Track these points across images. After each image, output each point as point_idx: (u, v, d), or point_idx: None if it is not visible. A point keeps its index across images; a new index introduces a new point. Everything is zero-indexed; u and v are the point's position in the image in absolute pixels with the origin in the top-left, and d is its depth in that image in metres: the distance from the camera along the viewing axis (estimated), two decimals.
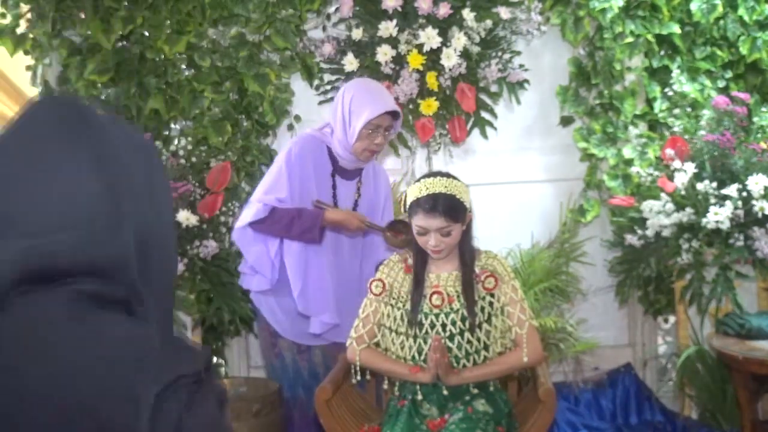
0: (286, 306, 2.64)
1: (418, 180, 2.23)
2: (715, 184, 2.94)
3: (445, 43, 3.29)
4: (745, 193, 2.88)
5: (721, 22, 3.39)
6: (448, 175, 2.21)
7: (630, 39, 3.34)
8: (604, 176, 3.40)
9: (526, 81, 3.48)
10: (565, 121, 3.54)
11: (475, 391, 2.22)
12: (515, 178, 3.61)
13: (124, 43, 3.35)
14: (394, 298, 2.27)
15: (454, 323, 2.20)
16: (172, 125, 3.42)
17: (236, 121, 3.38)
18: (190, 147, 3.23)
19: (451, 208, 2.14)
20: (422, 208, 2.14)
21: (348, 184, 2.67)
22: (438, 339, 2.12)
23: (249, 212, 2.53)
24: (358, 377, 2.27)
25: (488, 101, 3.51)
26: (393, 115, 2.54)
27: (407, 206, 2.21)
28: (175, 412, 0.71)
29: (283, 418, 2.81)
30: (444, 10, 3.28)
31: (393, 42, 3.32)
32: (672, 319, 3.39)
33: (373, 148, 2.55)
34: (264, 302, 2.70)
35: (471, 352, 2.20)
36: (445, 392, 2.20)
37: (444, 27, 3.32)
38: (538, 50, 3.56)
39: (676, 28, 3.34)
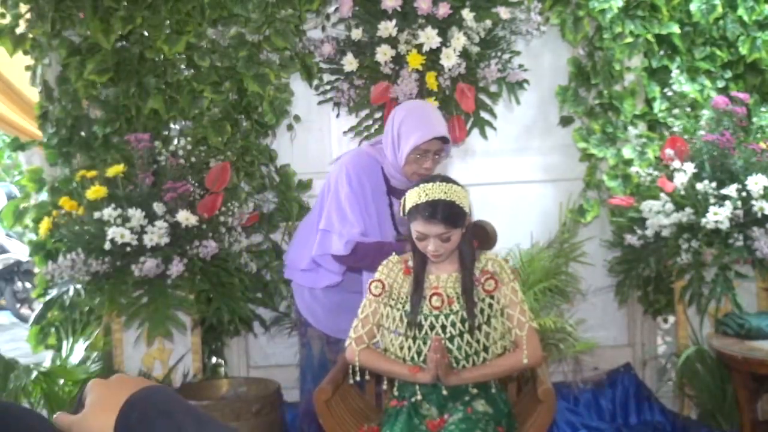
0: (328, 303, 2.74)
1: (417, 185, 2.21)
2: (714, 184, 2.94)
3: (445, 43, 3.29)
4: (744, 193, 2.89)
5: (721, 22, 3.39)
6: (447, 180, 2.20)
7: (629, 39, 3.34)
8: (603, 176, 3.41)
9: (526, 81, 3.48)
10: (565, 121, 3.54)
11: (475, 391, 2.22)
12: (515, 178, 3.61)
13: (124, 43, 3.35)
14: (393, 299, 2.27)
15: (453, 325, 2.19)
16: (172, 125, 3.42)
17: (236, 121, 3.38)
18: (189, 147, 3.23)
19: (451, 215, 2.13)
20: (421, 214, 2.13)
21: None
22: (438, 340, 2.12)
23: (328, 244, 2.58)
24: (357, 377, 2.27)
25: (488, 101, 3.51)
26: (443, 139, 2.53)
27: (406, 211, 2.20)
28: None
29: (282, 418, 2.82)
30: (443, 10, 3.28)
31: (392, 42, 3.31)
32: (671, 319, 3.39)
33: (422, 172, 2.53)
34: (303, 293, 2.80)
35: (470, 354, 2.20)
36: (445, 392, 2.20)
37: (443, 27, 3.32)
38: (537, 50, 3.56)
39: (675, 28, 3.34)
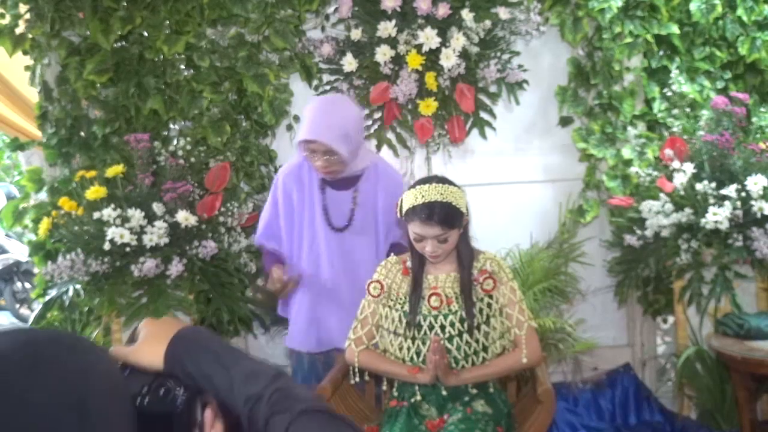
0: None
1: (413, 186, 2.21)
2: (714, 185, 2.94)
3: (444, 43, 3.29)
4: (743, 194, 2.88)
5: (720, 22, 3.39)
6: (443, 181, 2.20)
7: (629, 39, 3.34)
8: (603, 176, 3.40)
9: (525, 81, 3.48)
10: (564, 122, 3.54)
11: (474, 391, 2.22)
12: (514, 179, 3.61)
13: (123, 43, 3.35)
14: (392, 300, 2.27)
15: (452, 325, 2.19)
16: (171, 125, 3.42)
17: (235, 122, 3.38)
18: (189, 147, 3.23)
19: (448, 216, 2.13)
20: (418, 216, 2.13)
21: (341, 195, 2.64)
22: (437, 340, 2.12)
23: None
24: (357, 378, 2.28)
25: (487, 101, 3.51)
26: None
27: (403, 213, 2.21)
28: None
29: None
30: (443, 11, 3.28)
31: (392, 42, 3.31)
32: (671, 319, 3.38)
33: (319, 169, 2.55)
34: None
35: (470, 354, 2.20)
36: (444, 393, 2.20)
37: (443, 27, 3.32)
38: (537, 50, 3.56)
39: (675, 29, 3.34)
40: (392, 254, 2.48)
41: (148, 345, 1.03)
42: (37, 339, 0.81)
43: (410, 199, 2.17)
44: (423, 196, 2.14)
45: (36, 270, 3.69)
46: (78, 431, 0.78)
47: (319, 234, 2.63)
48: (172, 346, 1.02)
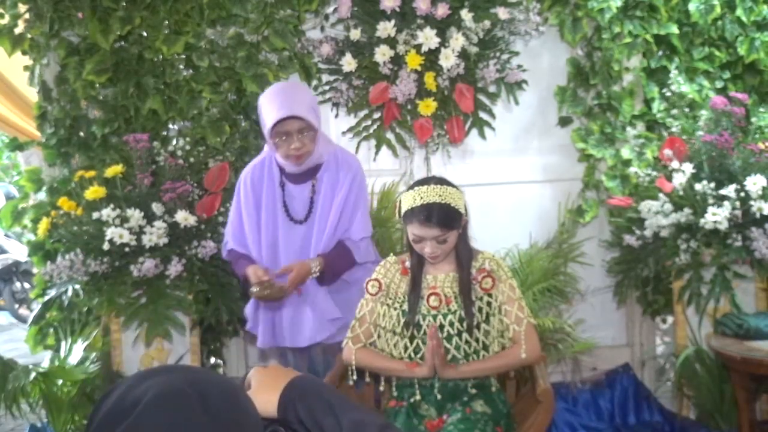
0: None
1: (412, 187, 2.21)
2: (713, 185, 2.94)
3: (444, 43, 3.29)
4: (743, 194, 2.89)
5: (719, 22, 3.39)
6: (441, 182, 2.19)
7: (628, 39, 3.34)
8: (602, 176, 3.41)
9: (525, 81, 3.48)
10: (564, 122, 3.55)
11: (474, 391, 2.22)
12: (513, 179, 3.62)
13: (123, 43, 3.35)
14: (390, 299, 2.27)
15: (452, 324, 2.19)
16: (171, 125, 3.42)
17: (234, 122, 3.38)
18: (188, 147, 3.23)
19: (446, 218, 2.13)
20: (417, 218, 2.14)
21: (300, 188, 2.61)
22: (434, 327, 2.13)
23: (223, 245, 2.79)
24: (355, 377, 2.27)
25: (486, 102, 3.51)
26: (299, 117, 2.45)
27: (401, 214, 2.21)
28: None
29: None
30: (442, 11, 3.28)
31: (391, 42, 3.32)
32: (670, 319, 3.39)
33: (293, 153, 2.48)
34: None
35: (470, 353, 2.20)
36: (439, 396, 2.20)
37: (442, 27, 3.32)
38: (536, 51, 3.56)
39: (674, 29, 3.34)
40: (332, 252, 2.52)
41: (262, 393, 1.09)
42: (213, 381, 0.89)
43: (409, 200, 2.17)
44: (422, 198, 2.14)
45: (35, 270, 3.69)
46: None
47: (278, 228, 2.60)
48: (286, 393, 1.08)
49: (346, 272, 2.59)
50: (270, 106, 2.47)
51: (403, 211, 2.19)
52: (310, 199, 2.61)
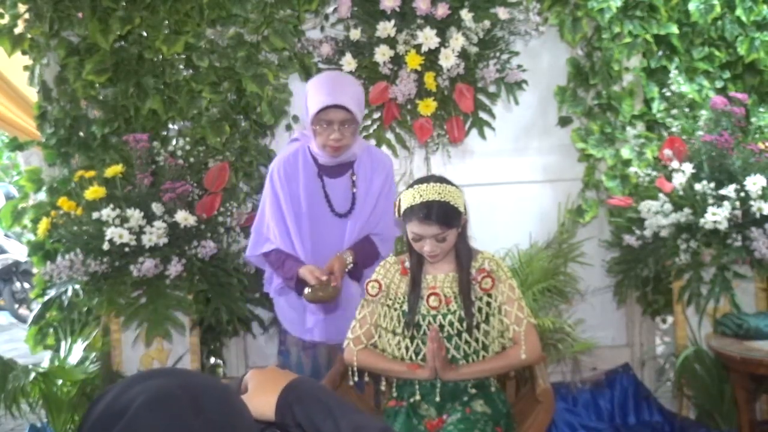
0: (294, 302, 2.68)
1: (411, 186, 2.22)
2: (713, 185, 2.94)
3: (443, 43, 3.29)
4: (743, 194, 2.89)
5: (719, 22, 3.39)
6: (441, 180, 2.20)
7: (628, 39, 3.34)
8: (602, 176, 3.40)
9: (525, 81, 3.48)
10: (564, 122, 3.54)
11: (474, 391, 2.22)
12: (513, 179, 3.61)
13: (122, 43, 3.35)
14: (390, 299, 2.27)
15: (452, 324, 2.20)
16: (170, 125, 3.42)
17: (234, 122, 3.38)
18: (188, 147, 3.23)
19: (446, 216, 2.13)
20: (416, 216, 2.14)
21: (339, 182, 2.61)
22: (435, 329, 2.13)
23: (252, 244, 2.68)
24: (356, 378, 2.28)
25: (486, 102, 3.51)
26: (347, 109, 2.43)
27: (401, 212, 2.21)
28: None
29: None
30: (442, 11, 3.28)
31: (391, 42, 3.32)
32: (670, 319, 3.39)
33: (332, 143, 2.47)
34: (278, 301, 2.76)
35: (470, 353, 2.20)
36: (438, 399, 2.20)
37: (442, 27, 3.32)
38: (536, 50, 3.56)
39: (674, 29, 3.34)
40: (360, 244, 2.52)
41: (258, 395, 1.07)
42: (205, 384, 0.88)
43: (408, 198, 2.17)
44: (421, 196, 2.14)
45: (35, 270, 3.69)
46: None
47: (321, 222, 2.58)
48: (284, 396, 1.06)
49: (370, 267, 2.59)
50: (317, 92, 2.45)
51: (402, 209, 2.19)
52: (352, 193, 2.60)
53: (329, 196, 2.59)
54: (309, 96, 2.48)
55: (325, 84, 2.49)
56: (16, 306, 7.16)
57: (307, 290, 2.37)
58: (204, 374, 0.97)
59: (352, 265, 2.53)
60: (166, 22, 3.30)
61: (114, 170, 3.06)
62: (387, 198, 2.63)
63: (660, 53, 3.43)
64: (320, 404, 1.04)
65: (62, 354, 3.19)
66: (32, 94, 3.73)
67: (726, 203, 2.87)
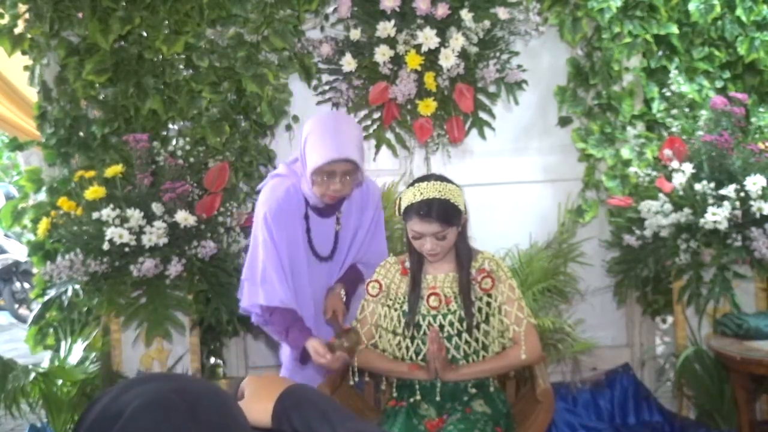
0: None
1: (412, 184, 2.22)
2: (713, 185, 2.94)
3: (443, 43, 3.29)
4: (742, 194, 2.89)
5: (719, 22, 3.39)
6: (441, 179, 2.20)
7: (628, 39, 3.34)
8: (602, 176, 3.41)
9: (524, 81, 3.48)
10: (564, 122, 3.55)
11: (474, 391, 2.22)
12: (513, 179, 3.61)
13: (122, 43, 3.35)
14: (390, 299, 2.27)
15: (452, 324, 2.20)
16: (170, 125, 3.42)
17: (234, 122, 3.38)
18: (188, 147, 3.23)
19: (446, 213, 2.13)
20: (417, 213, 2.14)
21: (325, 222, 2.44)
22: (435, 331, 2.12)
23: (251, 295, 2.39)
24: (356, 378, 2.28)
25: (486, 102, 3.51)
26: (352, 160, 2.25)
27: (401, 211, 2.21)
28: None
29: None
30: (442, 11, 3.28)
31: (391, 42, 3.32)
32: (670, 319, 3.39)
33: (331, 194, 2.28)
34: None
35: (470, 353, 2.20)
36: (438, 398, 2.20)
37: (442, 27, 3.32)
38: (536, 51, 3.56)
39: (674, 29, 3.34)
40: (347, 275, 2.47)
41: (255, 401, 1.06)
42: (201, 389, 0.87)
43: (408, 196, 2.18)
44: (421, 194, 2.15)
45: (35, 270, 3.69)
46: None
47: (299, 265, 2.39)
48: (281, 402, 1.05)
49: (353, 293, 2.51)
50: (320, 142, 2.25)
51: (403, 207, 2.19)
52: (335, 233, 2.46)
53: (312, 237, 2.42)
54: (310, 145, 2.27)
55: (328, 133, 2.27)
56: (16, 306, 7.17)
57: (334, 342, 2.20)
58: (201, 379, 0.97)
59: (344, 298, 2.44)
60: (166, 22, 3.30)
61: (114, 170, 3.06)
62: (375, 231, 2.54)
63: (660, 53, 3.43)
64: (318, 410, 1.02)
65: (62, 354, 3.19)
66: (32, 94, 3.73)
67: (726, 203, 2.87)
